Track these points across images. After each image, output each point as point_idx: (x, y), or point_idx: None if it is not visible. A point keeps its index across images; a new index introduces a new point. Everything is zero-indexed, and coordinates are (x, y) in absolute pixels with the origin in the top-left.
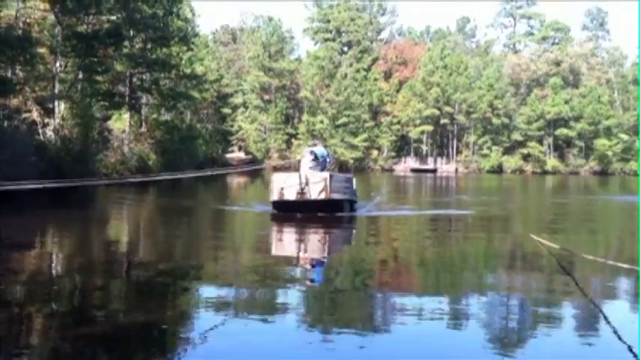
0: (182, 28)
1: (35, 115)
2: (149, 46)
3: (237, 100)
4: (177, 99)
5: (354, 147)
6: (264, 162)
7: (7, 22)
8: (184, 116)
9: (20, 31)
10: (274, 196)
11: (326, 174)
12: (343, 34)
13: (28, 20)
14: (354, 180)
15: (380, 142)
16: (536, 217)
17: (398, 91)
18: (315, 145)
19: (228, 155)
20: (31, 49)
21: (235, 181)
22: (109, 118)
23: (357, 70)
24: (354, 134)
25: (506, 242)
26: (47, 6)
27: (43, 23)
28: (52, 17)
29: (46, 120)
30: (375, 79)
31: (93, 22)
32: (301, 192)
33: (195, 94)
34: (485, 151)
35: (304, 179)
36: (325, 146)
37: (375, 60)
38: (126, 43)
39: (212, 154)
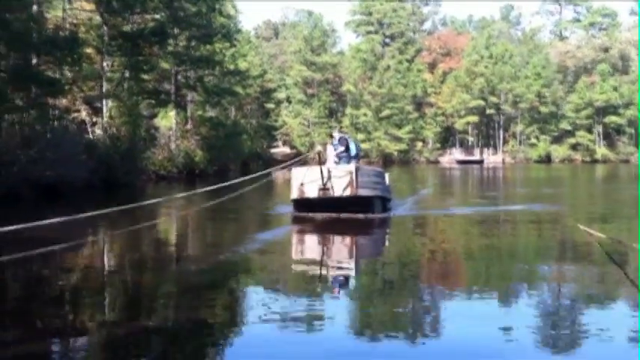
0: (225, 25)
1: (84, 114)
2: (193, 43)
3: (281, 95)
4: (222, 95)
5: (398, 139)
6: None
7: (54, 23)
8: (229, 112)
9: (67, 32)
10: (294, 194)
11: (352, 166)
12: (385, 26)
13: (74, 21)
14: (387, 175)
15: (425, 134)
16: (589, 209)
17: (442, 82)
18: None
19: (273, 150)
20: (78, 49)
21: (280, 175)
22: (155, 115)
23: (400, 62)
24: (398, 126)
25: (562, 235)
26: (93, 7)
27: (90, 24)
28: (98, 18)
29: (95, 119)
30: (419, 71)
31: (138, 22)
32: (323, 188)
33: (239, 89)
34: (533, 140)
35: (326, 173)
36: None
37: (418, 51)
38: (170, 41)
39: (257, 149)
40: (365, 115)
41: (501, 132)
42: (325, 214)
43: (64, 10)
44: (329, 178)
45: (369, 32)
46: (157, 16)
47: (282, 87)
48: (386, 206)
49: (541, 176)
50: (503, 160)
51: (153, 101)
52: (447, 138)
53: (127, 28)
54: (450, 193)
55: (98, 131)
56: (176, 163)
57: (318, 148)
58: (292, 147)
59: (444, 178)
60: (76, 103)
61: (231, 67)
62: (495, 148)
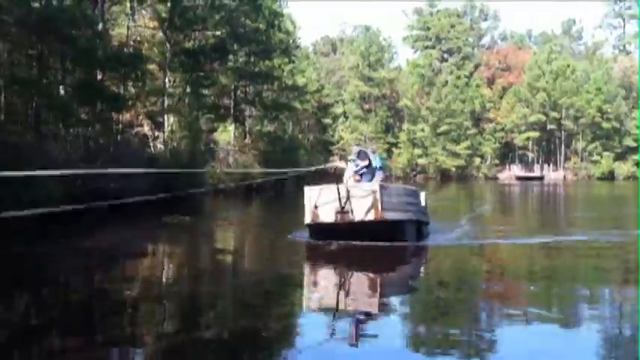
0: (284, 41)
1: (146, 128)
2: (252, 59)
3: (338, 110)
4: (280, 110)
5: (456, 155)
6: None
7: (119, 40)
8: (286, 127)
9: (131, 49)
10: (307, 218)
11: (375, 184)
12: (443, 41)
13: (138, 38)
14: (423, 194)
15: (483, 150)
16: None
17: (501, 97)
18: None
19: (328, 165)
20: (141, 65)
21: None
22: (214, 130)
23: (458, 77)
24: (456, 142)
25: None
26: (156, 24)
27: (153, 41)
28: (160, 35)
29: (157, 133)
30: (477, 86)
31: (199, 38)
32: (342, 211)
33: (297, 105)
34: (595, 157)
35: (345, 193)
36: (374, 152)
37: (476, 66)
38: (230, 57)
39: (313, 163)
40: (422, 130)
41: (562, 148)
42: (344, 241)
43: (128, 27)
44: (348, 198)
45: (426, 47)
46: (218, 33)
47: (339, 102)
48: (422, 232)
49: (604, 194)
50: (564, 176)
51: (212, 116)
52: (506, 154)
53: (188, 44)
54: (507, 215)
55: (159, 145)
56: (234, 177)
57: (336, 163)
58: (349, 162)
59: (501, 196)
60: (139, 117)
61: (290, 82)
62: (556, 164)
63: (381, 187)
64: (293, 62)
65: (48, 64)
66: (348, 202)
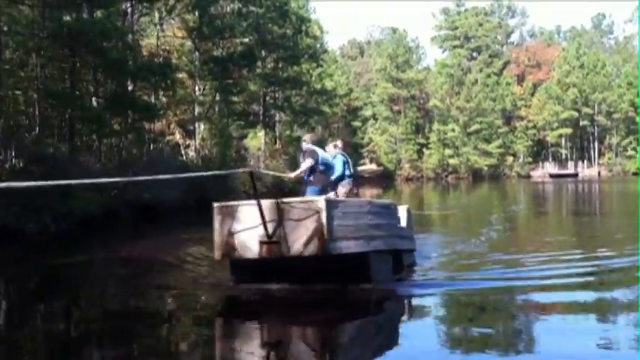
0: (311, 46)
1: (178, 137)
2: (280, 65)
3: (367, 112)
4: (309, 115)
5: (487, 154)
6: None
7: (149, 50)
8: (316, 131)
9: (161, 59)
10: (217, 250)
11: (319, 199)
12: (472, 40)
13: (167, 48)
14: (404, 210)
15: (515, 148)
16: None
17: (532, 94)
18: (311, 142)
19: (360, 168)
20: (171, 75)
21: (368, 193)
22: (245, 136)
23: (488, 76)
24: (488, 141)
25: None
26: (185, 33)
27: (182, 50)
28: (189, 43)
29: (188, 141)
30: (508, 84)
31: (227, 46)
32: (268, 240)
33: (326, 109)
34: (630, 152)
35: (272, 212)
36: (337, 148)
37: (506, 64)
38: (258, 63)
39: None
40: (453, 130)
41: (596, 144)
42: (280, 285)
43: (157, 37)
44: (279, 221)
45: (454, 47)
46: (246, 40)
47: (368, 105)
48: (401, 264)
49: None
50: (598, 172)
51: (242, 122)
52: (539, 152)
53: (217, 52)
54: (542, 221)
55: (191, 153)
56: (265, 182)
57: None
58: (379, 164)
59: (536, 195)
60: (170, 126)
61: (318, 86)
62: (590, 160)
63: (329, 203)
64: (321, 66)
65: (80, 77)
66: (278, 227)
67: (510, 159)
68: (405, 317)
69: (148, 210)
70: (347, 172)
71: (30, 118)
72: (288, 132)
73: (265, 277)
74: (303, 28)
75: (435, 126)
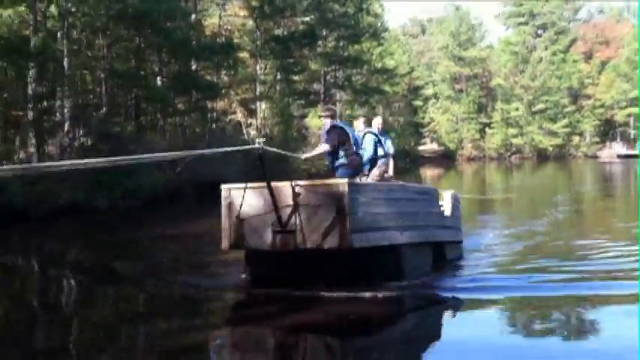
0: (372, 24)
1: (239, 116)
2: (341, 43)
3: (428, 91)
4: (370, 94)
5: (553, 134)
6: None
7: (211, 30)
8: (377, 110)
9: (223, 38)
10: (225, 240)
11: (341, 182)
12: (537, 17)
13: (229, 27)
14: (449, 195)
15: (582, 128)
16: None
17: (600, 72)
18: (331, 114)
19: (421, 147)
20: (234, 54)
21: (429, 173)
22: (305, 115)
23: (554, 53)
24: (553, 120)
25: None
26: (246, 13)
27: (243, 29)
28: (251, 23)
29: (250, 120)
30: (574, 61)
31: (288, 25)
32: (281, 229)
33: (387, 88)
34: None
35: (287, 196)
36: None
37: (573, 41)
38: (319, 42)
39: (404, 146)
40: (517, 109)
41: None
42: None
43: (219, 17)
44: (294, 208)
45: (519, 24)
46: (307, 19)
47: (429, 84)
48: (444, 258)
49: None
50: None
51: (303, 102)
52: (607, 131)
53: (278, 31)
54: (612, 207)
55: (253, 132)
56: (326, 162)
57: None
58: (440, 144)
59: (604, 178)
60: (232, 105)
61: (379, 65)
62: None
63: (352, 187)
64: (382, 45)
65: (145, 57)
66: (294, 215)
67: (577, 139)
68: (445, 327)
69: (212, 187)
70: (379, 153)
71: (97, 97)
72: (348, 111)
73: (274, 270)
74: (364, 6)
75: (499, 105)
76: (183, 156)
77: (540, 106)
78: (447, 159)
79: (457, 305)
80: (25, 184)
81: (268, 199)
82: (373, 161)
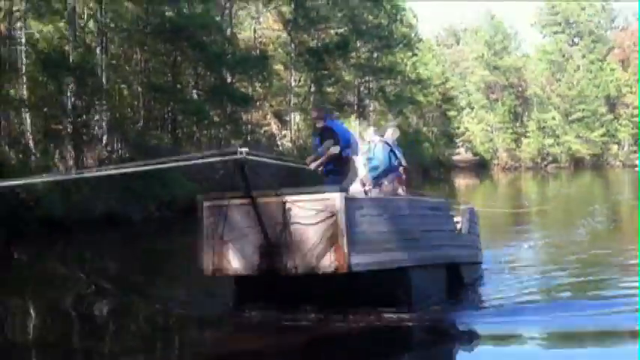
0: (406, 35)
1: (273, 127)
2: (375, 54)
3: (463, 101)
4: (403, 104)
5: (590, 142)
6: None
7: (246, 43)
8: (410, 120)
9: (258, 51)
10: (206, 262)
11: (336, 195)
12: (573, 25)
13: (263, 40)
14: (466, 210)
15: (619, 136)
16: None
17: (638, 80)
18: (321, 115)
19: (455, 157)
20: (268, 66)
21: (463, 182)
22: None
23: (591, 62)
24: (590, 129)
25: None
26: (281, 25)
27: (277, 41)
28: (285, 35)
29: (284, 131)
30: (612, 69)
31: (322, 37)
32: (268, 250)
33: (421, 98)
34: None
35: (275, 211)
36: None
37: (609, 49)
38: (353, 53)
39: (438, 156)
40: (553, 118)
41: None
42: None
43: (254, 30)
44: (283, 225)
45: (555, 32)
46: (340, 30)
47: (463, 93)
48: (461, 281)
49: None
50: None
51: (337, 113)
52: None
53: (312, 43)
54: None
55: (287, 143)
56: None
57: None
58: (475, 153)
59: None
60: (267, 117)
61: (413, 75)
62: None
63: (349, 201)
64: (416, 55)
65: (181, 70)
66: (283, 233)
67: (614, 147)
68: None
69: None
70: (394, 163)
71: (134, 110)
72: (382, 121)
73: (269, 298)
74: (398, 16)
75: (534, 114)
76: (164, 166)
77: (577, 114)
78: (481, 168)
79: (472, 339)
80: (63, 196)
81: (254, 216)
82: (387, 172)
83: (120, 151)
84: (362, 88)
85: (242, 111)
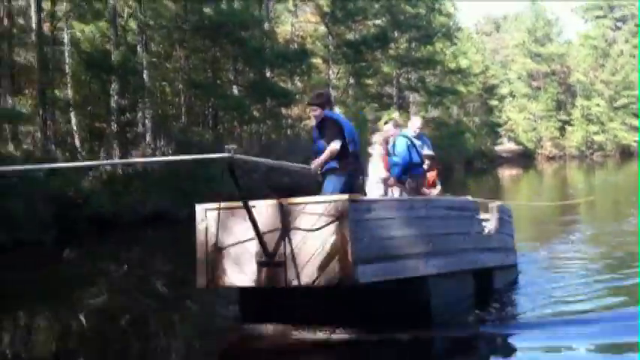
0: (444, 24)
1: (313, 121)
2: (414, 45)
3: (504, 90)
4: (443, 95)
5: (637, 129)
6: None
7: (283, 37)
8: (451, 111)
9: (296, 45)
10: (200, 276)
11: (340, 198)
12: (615, 9)
13: (301, 34)
14: (496, 207)
15: None
16: None
17: None
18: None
19: (497, 147)
20: (307, 60)
21: (507, 173)
22: (379, 119)
23: (634, 46)
24: (637, 115)
25: None
26: (318, 18)
27: (315, 35)
28: (322, 28)
29: None
30: None
31: (360, 29)
32: (267, 260)
33: (461, 88)
34: None
35: (273, 216)
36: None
37: None
38: (391, 44)
39: (481, 147)
40: (598, 105)
41: None
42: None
43: (292, 24)
44: (283, 232)
45: (597, 17)
46: (378, 22)
47: (504, 82)
48: (488, 289)
49: None
50: None
51: (376, 105)
52: None
53: (350, 36)
54: None
55: None
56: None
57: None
58: (518, 143)
59: None
60: (307, 111)
61: (452, 65)
62: None
63: (355, 204)
64: (455, 45)
65: (220, 66)
66: (282, 241)
67: None
68: None
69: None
70: (415, 160)
71: (176, 108)
72: (422, 113)
73: (275, 313)
74: (436, 6)
75: (578, 101)
76: (141, 162)
77: (622, 100)
78: (525, 158)
79: (502, 356)
80: (113, 194)
81: (246, 222)
82: (407, 169)
83: (163, 148)
84: (401, 80)
85: (282, 106)
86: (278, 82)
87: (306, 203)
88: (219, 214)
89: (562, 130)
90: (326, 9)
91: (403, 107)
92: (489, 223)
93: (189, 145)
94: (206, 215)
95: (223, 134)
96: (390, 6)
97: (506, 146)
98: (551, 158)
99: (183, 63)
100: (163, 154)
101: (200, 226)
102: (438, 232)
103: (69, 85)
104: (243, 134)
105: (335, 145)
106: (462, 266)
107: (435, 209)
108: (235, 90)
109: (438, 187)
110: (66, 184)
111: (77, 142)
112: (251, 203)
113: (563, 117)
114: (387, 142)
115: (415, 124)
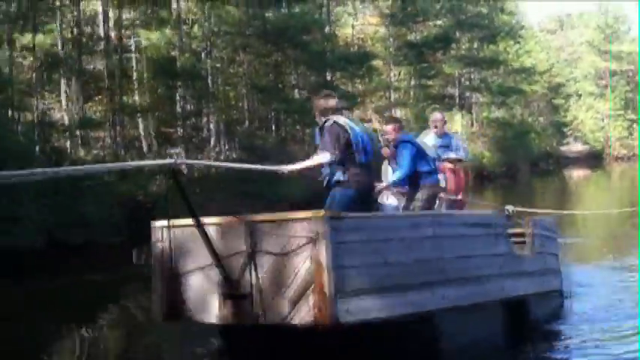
0: (508, 23)
1: (375, 124)
2: (476, 45)
3: (570, 89)
4: (507, 95)
5: None
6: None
7: (344, 40)
8: (515, 111)
9: (356, 47)
10: (156, 306)
11: (316, 214)
12: None
13: (362, 36)
14: (534, 223)
15: None
16: None
17: None
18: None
19: (563, 148)
20: (367, 62)
21: (575, 174)
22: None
23: None
24: None
25: None
26: (379, 20)
27: (376, 37)
28: (383, 30)
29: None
30: None
31: (421, 30)
32: (231, 292)
33: (526, 87)
34: None
35: (239, 239)
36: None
37: None
38: (453, 45)
39: (546, 147)
40: None
41: None
42: None
43: (352, 26)
44: (249, 257)
45: None
46: (440, 22)
47: (570, 80)
48: (524, 322)
49: None
50: None
51: (438, 106)
52: None
53: (411, 37)
54: None
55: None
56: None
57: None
58: (585, 143)
59: None
60: (368, 113)
61: (516, 64)
62: None
63: (334, 222)
64: (519, 44)
65: (282, 70)
66: (248, 268)
67: None
68: None
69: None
70: (424, 169)
71: (240, 112)
72: (485, 113)
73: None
74: (499, 5)
75: None
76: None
77: None
78: (593, 159)
79: None
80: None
81: (216, 244)
82: (412, 179)
83: (227, 153)
84: (464, 80)
85: (344, 108)
86: (339, 85)
87: (276, 221)
88: (174, 233)
89: (630, 129)
90: (387, 11)
91: (466, 108)
92: (527, 240)
93: (252, 149)
94: (162, 234)
95: (286, 137)
96: (451, 6)
97: (572, 146)
98: (619, 158)
99: (246, 68)
100: (227, 158)
101: (156, 248)
102: (451, 255)
103: (136, 91)
104: (306, 137)
105: (322, 159)
106: (486, 296)
107: (447, 227)
108: (297, 94)
109: (459, 196)
110: (136, 188)
111: (144, 147)
112: (207, 220)
113: (632, 116)
114: (387, 146)
115: (434, 120)
